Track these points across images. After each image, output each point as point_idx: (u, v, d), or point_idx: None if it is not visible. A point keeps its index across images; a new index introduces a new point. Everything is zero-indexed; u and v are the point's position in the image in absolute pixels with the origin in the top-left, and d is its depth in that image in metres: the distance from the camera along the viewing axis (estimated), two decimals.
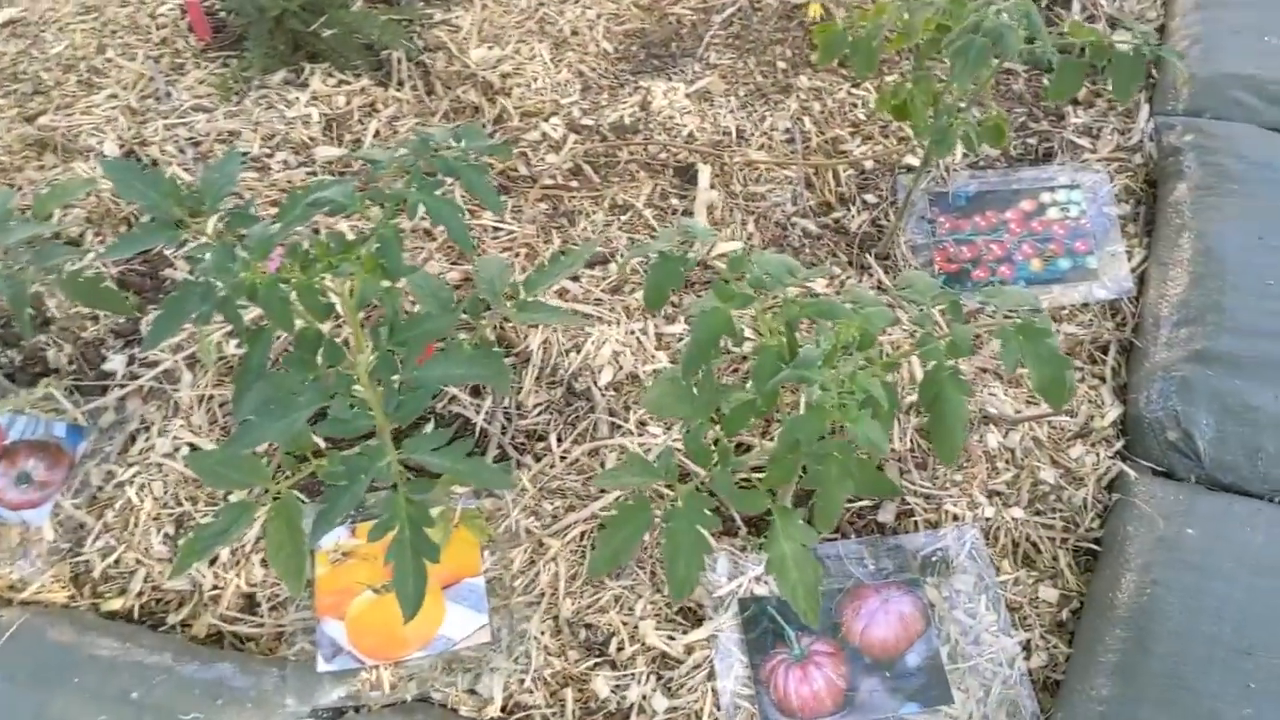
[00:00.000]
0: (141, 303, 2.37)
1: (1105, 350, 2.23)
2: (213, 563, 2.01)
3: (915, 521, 2.03)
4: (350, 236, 1.61)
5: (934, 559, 1.98)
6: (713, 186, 2.50)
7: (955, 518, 2.03)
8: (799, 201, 2.46)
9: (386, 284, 1.62)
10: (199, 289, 1.63)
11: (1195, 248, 2.21)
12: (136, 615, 1.98)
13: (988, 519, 2.02)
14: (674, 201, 2.51)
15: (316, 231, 2.39)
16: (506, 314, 1.90)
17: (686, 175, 2.55)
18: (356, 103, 2.69)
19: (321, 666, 1.87)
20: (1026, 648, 1.90)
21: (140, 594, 2.00)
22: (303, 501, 1.92)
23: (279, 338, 1.79)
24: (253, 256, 1.60)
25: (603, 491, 2.04)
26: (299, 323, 1.60)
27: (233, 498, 2.05)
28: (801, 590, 1.57)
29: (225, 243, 1.69)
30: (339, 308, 1.71)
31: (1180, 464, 2.00)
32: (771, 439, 2.09)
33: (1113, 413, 2.14)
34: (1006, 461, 2.09)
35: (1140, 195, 2.50)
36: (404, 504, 1.51)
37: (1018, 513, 2.03)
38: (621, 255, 2.38)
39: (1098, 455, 2.08)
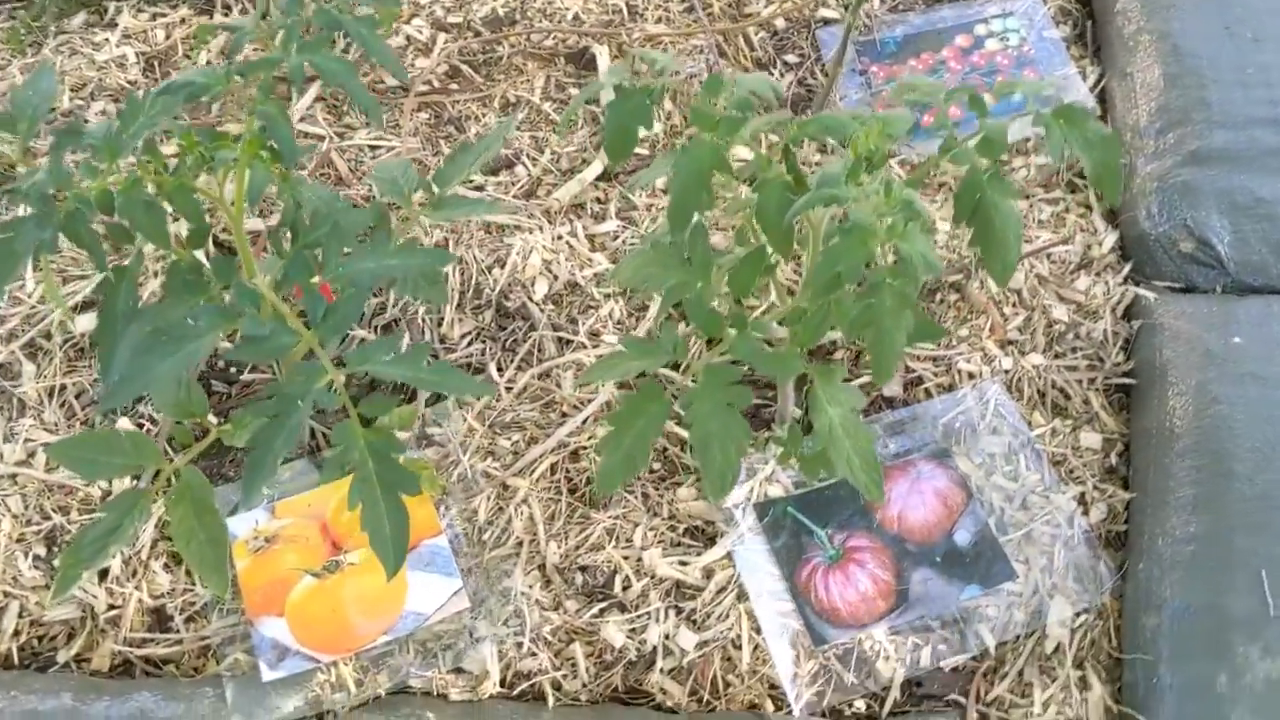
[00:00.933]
0: None
1: (1082, 175, 2.01)
2: (103, 577, 1.61)
3: (926, 389, 1.78)
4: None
5: (958, 425, 1.72)
6: None
7: (970, 376, 1.78)
8: (715, 68, 2.17)
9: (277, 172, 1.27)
10: (33, 217, 1.25)
11: (1160, 49, 2.01)
12: (16, 659, 1.57)
13: (1006, 371, 1.78)
14: (573, 92, 2.19)
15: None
16: (420, 215, 1.57)
17: (581, 61, 2.23)
18: (179, 34, 2.28)
19: (267, 675, 1.50)
20: (1081, 502, 1.66)
21: (17, 633, 1.59)
22: None
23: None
24: (102, 161, 1.22)
25: (576, 407, 1.71)
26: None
27: (116, 487, 1.65)
28: (859, 461, 1.30)
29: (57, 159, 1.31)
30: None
31: (1200, 275, 1.79)
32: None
33: (1109, 238, 1.92)
34: (1014, 305, 1.85)
35: (1077, 14, 2.30)
36: (360, 431, 1.16)
37: (1037, 359, 1.79)
38: (543, 139, 2.05)
39: (1106, 284, 1.86)
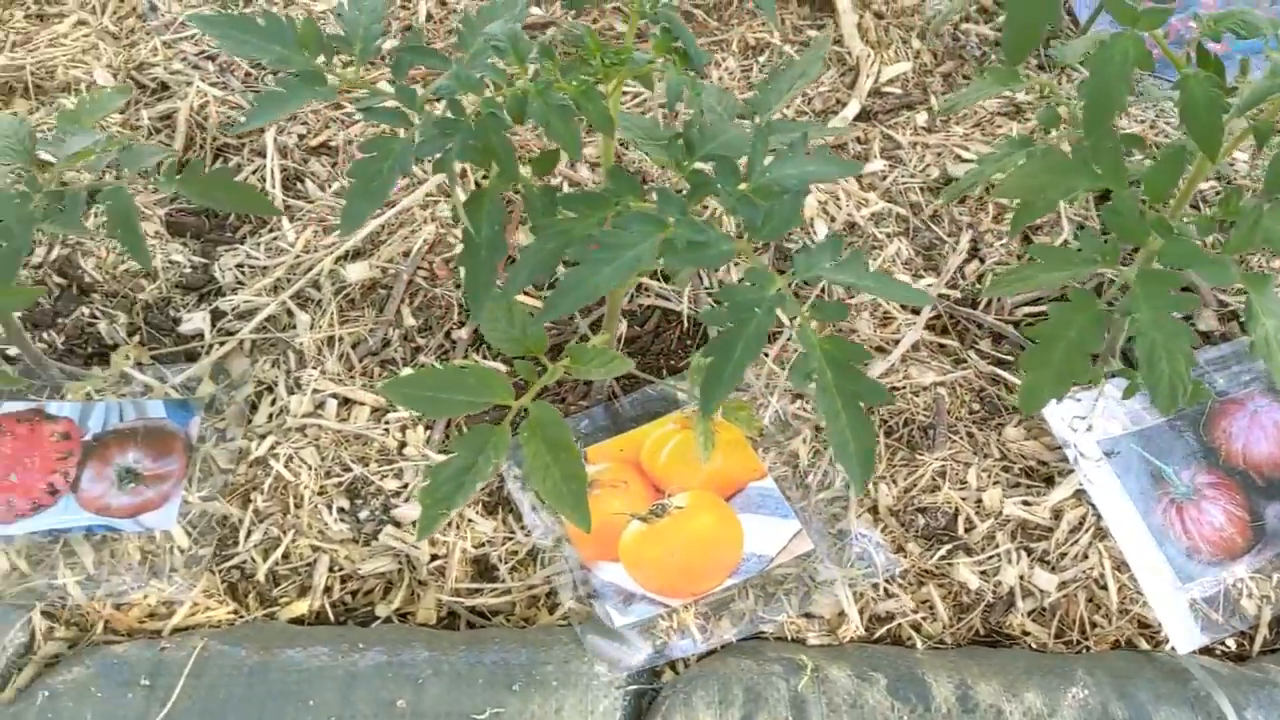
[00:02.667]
0: (203, 246, 1.86)
1: None
2: (416, 527, 1.54)
3: (1241, 324, 1.70)
4: None
5: None
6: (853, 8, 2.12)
7: None
8: (962, 6, 2.10)
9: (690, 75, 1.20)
10: (438, 124, 1.17)
11: None
12: (331, 615, 1.50)
13: None
14: (812, 34, 2.12)
15: None
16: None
17: (815, 2, 2.16)
18: None
19: (619, 620, 1.42)
20: None
21: (328, 588, 1.52)
22: None
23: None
24: (511, 62, 1.15)
25: (881, 348, 1.64)
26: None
27: (409, 438, 1.59)
28: None
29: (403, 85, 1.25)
30: None
31: None
32: None
33: None
34: None
35: None
36: (816, 340, 1.09)
37: None
38: None
39: None
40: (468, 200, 1.30)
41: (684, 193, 1.18)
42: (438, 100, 1.37)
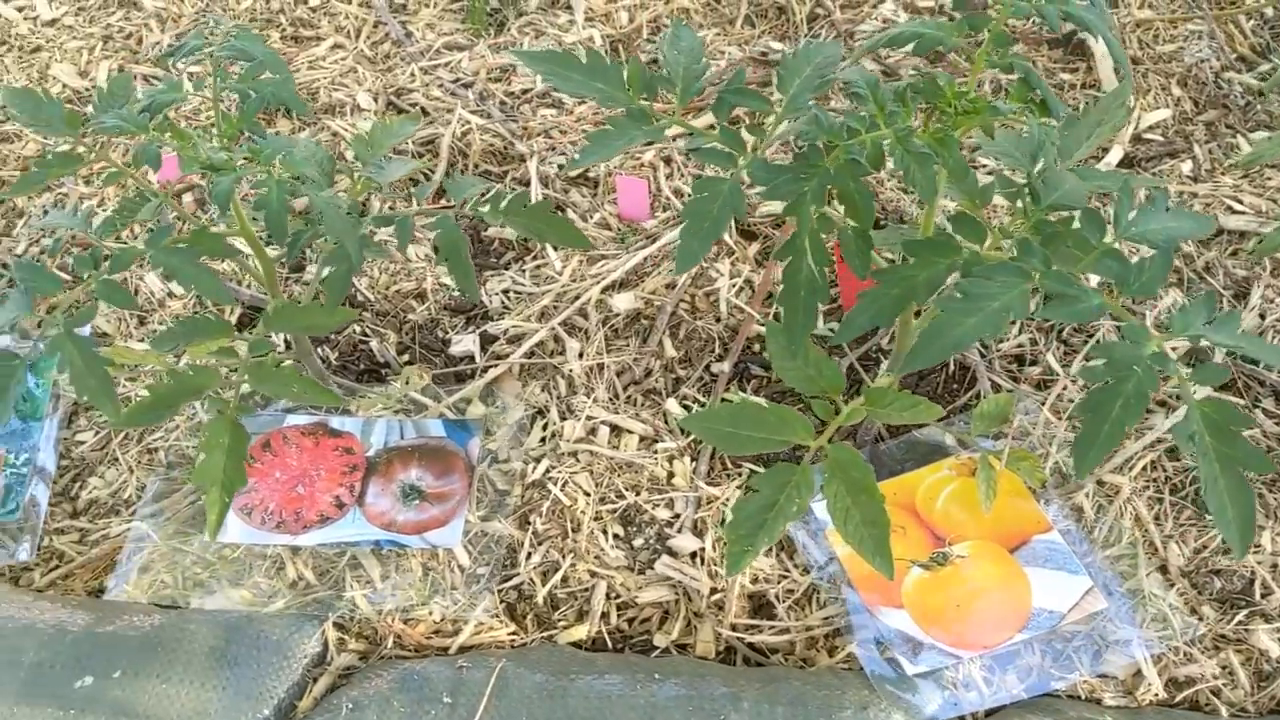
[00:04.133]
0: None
1: None
2: (696, 560, 1.55)
3: None
4: None
5: None
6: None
7: None
8: (1222, 55, 2.05)
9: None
10: (793, 167, 1.19)
11: None
12: (608, 642, 1.51)
13: None
14: (1064, 77, 2.09)
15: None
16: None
17: (1069, 46, 2.14)
18: (644, 18, 2.25)
19: (910, 669, 1.41)
20: None
21: (605, 615, 1.53)
22: None
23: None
24: (871, 110, 1.16)
25: (1163, 403, 1.60)
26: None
27: (671, 468, 1.59)
28: None
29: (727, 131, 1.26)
30: None
31: None
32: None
33: None
34: None
35: None
36: (1196, 403, 1.06)
37: None
38: None
39: None
40: (787, 241, 1.30)
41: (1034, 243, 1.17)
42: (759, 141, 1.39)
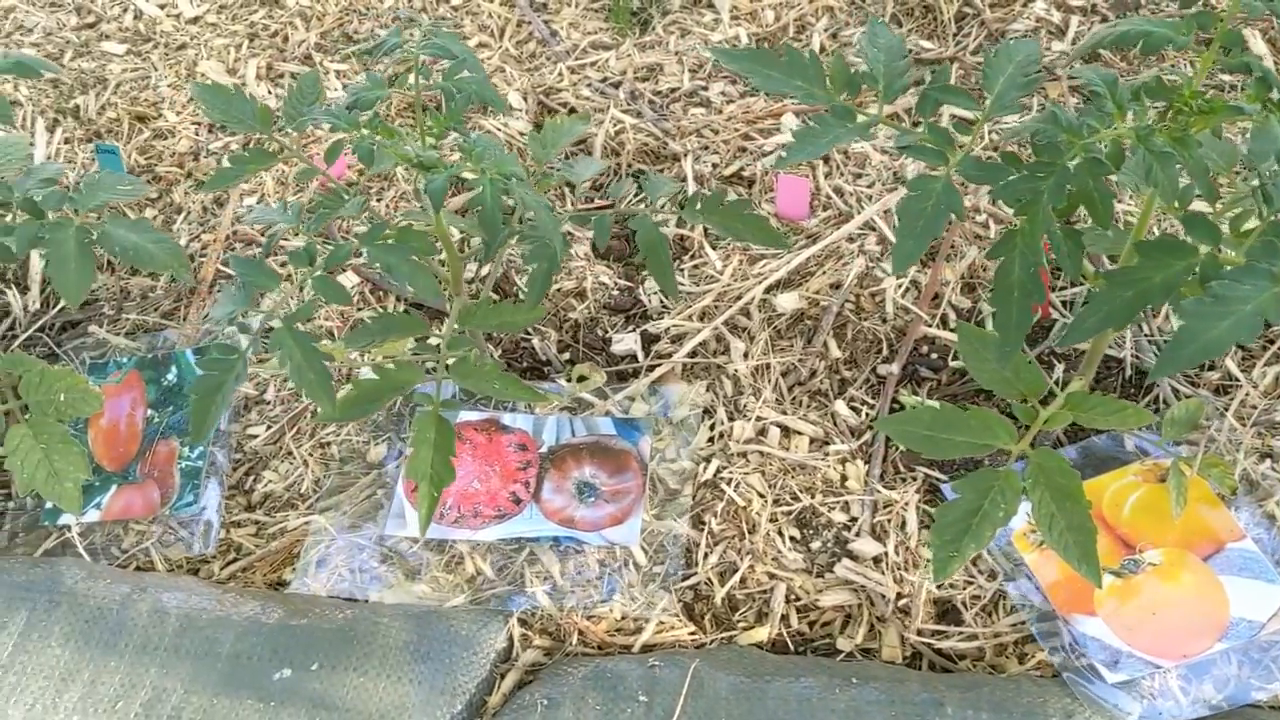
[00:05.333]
0: (626, 270, 1.91)
1: None
2: (876, 563, 1.54)
3: None
4: None
5: None
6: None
7: None
8: None
9: None
10: (1032, 166, 1.17)
11: None
12: (790, 645, 1.50)
13: None
14: (1224, 77, 2.06)
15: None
16: None
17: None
18: (790, 16, 2.23)
19: (1110, 678, 1.39)
20: None
21: (784, 617, 1.52)
22: None
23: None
24: (1110, 109, 1.14)
25: None
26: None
27: (841, 470, 1.58)
28: None
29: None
30: None
31: None
32: None
33: None
34: None
35: None
36: None
37: None
38: None
39: None
40: (1000, 240, 1.29)
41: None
42: (964, 139, 1.37)
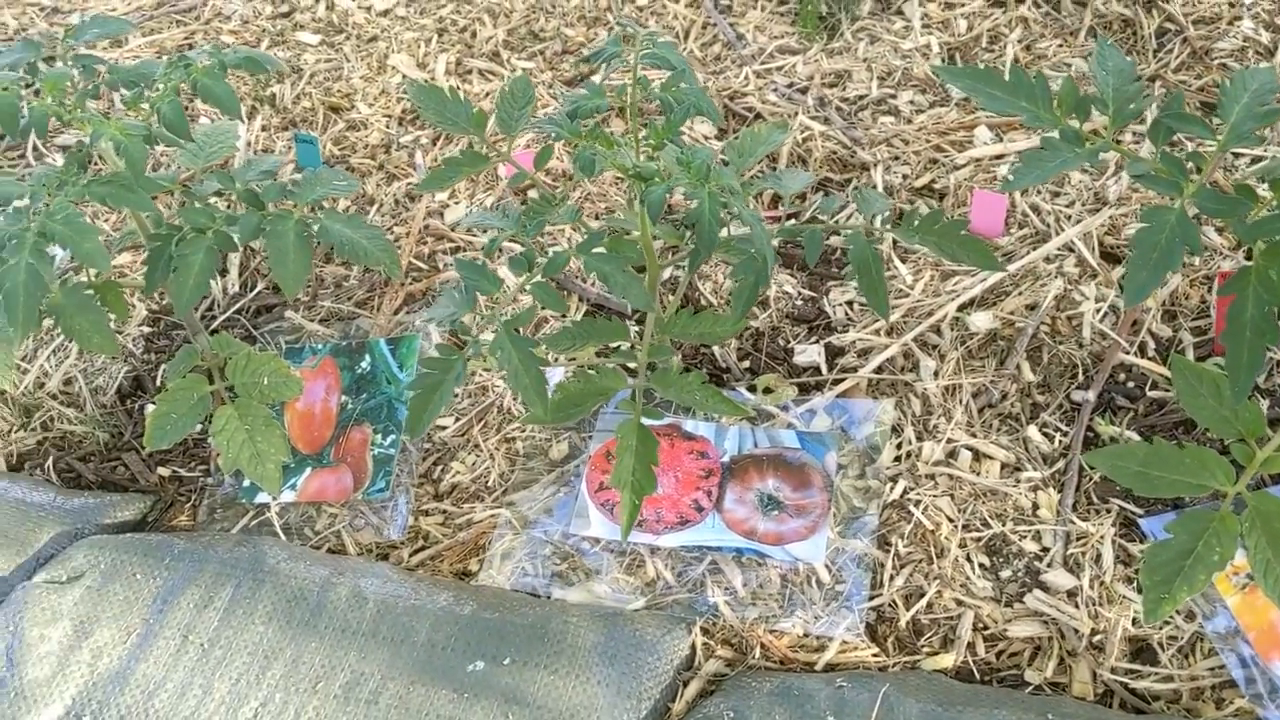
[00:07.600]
0: (810, 280, 1.89)
1: None
2: (1070, 596, 1.50)
3: None
4: None
5: None
6: None
7: None
8: None
9: None
10: None
11: None
12: (976, 674, 1.48)
13: None
14: None
15: None
16: None
17: None
18: (984, 27, 2.19)
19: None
20: None
21: (971, 645, 1.50)
22: None
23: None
24: None
25: None
26: None
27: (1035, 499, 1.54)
28: None
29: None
30: None
31: None
32: None
33: None
34: None
35: None
36: None
37: None
38: None
39: None
40: (1234, 277, 1.24)
41: None
42: (1197, 170, 1.33)
